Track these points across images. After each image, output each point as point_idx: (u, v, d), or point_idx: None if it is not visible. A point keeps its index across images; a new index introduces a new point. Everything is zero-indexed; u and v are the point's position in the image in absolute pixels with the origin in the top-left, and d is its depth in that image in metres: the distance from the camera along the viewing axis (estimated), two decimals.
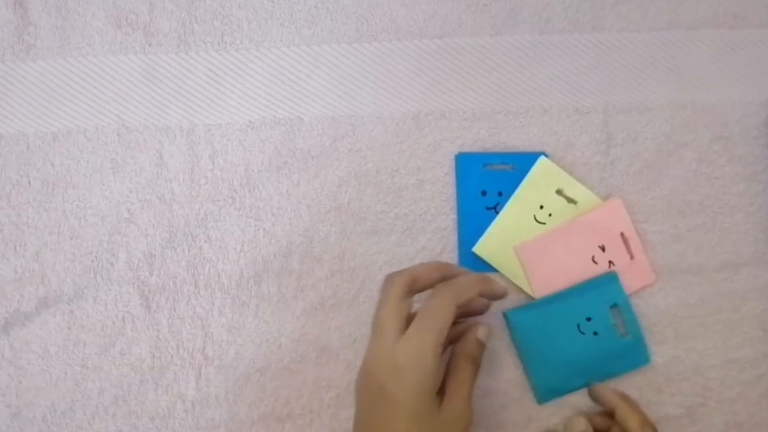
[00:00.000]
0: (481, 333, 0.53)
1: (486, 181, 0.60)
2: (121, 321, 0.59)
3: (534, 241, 0.59)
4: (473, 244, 0.59)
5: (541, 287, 0.59)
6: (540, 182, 0.60)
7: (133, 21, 0.62)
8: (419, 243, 0.60)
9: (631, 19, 0.62)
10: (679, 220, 0.60)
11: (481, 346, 0.53)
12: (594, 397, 0.57)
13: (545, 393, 0.58)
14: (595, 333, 0.57)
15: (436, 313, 0.48)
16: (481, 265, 0.59)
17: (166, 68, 0.61)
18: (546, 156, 0.60)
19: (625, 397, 0.55)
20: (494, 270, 0.59)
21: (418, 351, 0.47)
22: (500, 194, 0.60)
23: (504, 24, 0.62)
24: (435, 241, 0.60)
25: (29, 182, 0.60)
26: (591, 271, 0.59)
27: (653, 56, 0.62)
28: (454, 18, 0.62)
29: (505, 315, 0.58)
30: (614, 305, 0.58)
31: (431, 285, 0.51)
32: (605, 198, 0.60)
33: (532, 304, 0.58)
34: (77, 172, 0.61)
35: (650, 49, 0.62)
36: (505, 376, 0.59)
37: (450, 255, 0.60)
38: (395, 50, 0.62)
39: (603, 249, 0.59)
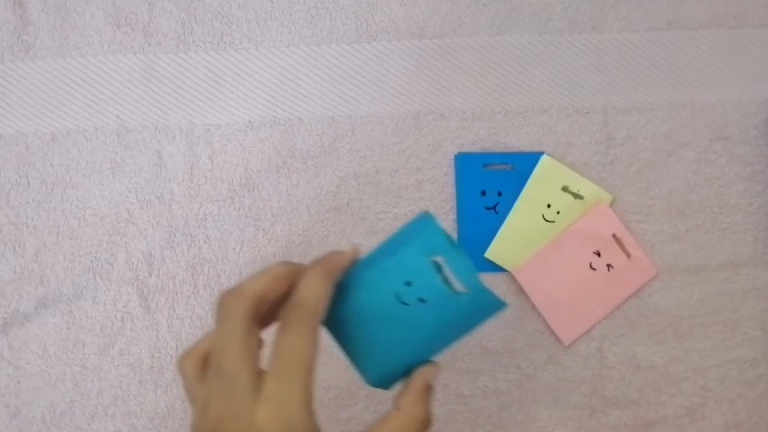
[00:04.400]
0: (430, 374, 0.41)
1: (486, 181, 0.60)
2: (120, 321, 0.59)
3: (529, 262, 0.59)
4: (473, 244, 0.59)
5: (545, 307, 0.58)
6: (544, 181, 0.60)
7: (133, 21, 0.62)
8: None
9: (631, 19, 0.62)
10: (678, 220, 0.60)
11: (429, 390, 0.41)
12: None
13: (379, 379, 0.43)
14: (421, 300, 0.40)
15: (294, 350, 0.37)
16: (483, 266, 0.59)
17: (166, 68, 0.61)
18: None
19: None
20: (507, 272, 0.60)
21: (285, 416, 0.35)
22: (500, 194, 0.60)
23: (503, 24, 0.62)
24: None
25: (28, 182, 0.60)
26: (591, 278, 0.59)
27: (653, 56, 0.62)
28: (454, 18, 0.62)
29: None
30: (436, 255, 0.41)
31: (282, 301, 0.39)
32: (609, 193, 0.60)
33: (344, 278, 0.42)
34: (76, 172, 0.61)
35: (650, 49, 0.62)
36: (505, 376, 0.59)
37: None
38: (394, 50, 0.62)
39: (598, 254, 0.59)
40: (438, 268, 0.40)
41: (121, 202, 0.60)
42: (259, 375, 0.36)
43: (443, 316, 0.41)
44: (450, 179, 0.61)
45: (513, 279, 0.59)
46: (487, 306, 0.41)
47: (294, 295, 0.38)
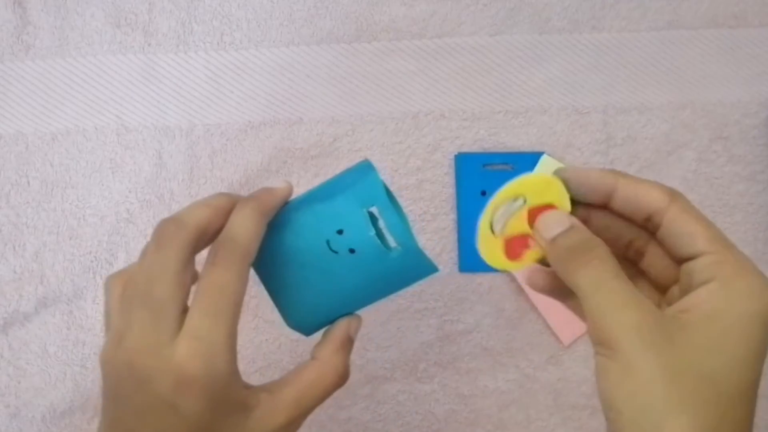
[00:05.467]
0: (354, 329, 0.40)
1: (486, 181, 0.60)
2: None
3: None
4: (473, 244, 0.59)
5: (545, 307, 0.58)
6: None
7: (133, 21, 0.62)
8: (419, 243, 0.60)
9: (631, 19, 0.62)
10: None
11: (350, 343, 0.40)
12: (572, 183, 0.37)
13: (300, 323, 0.42)
14: (351, 250, 0.39)
15: (222, 287, 0.35)
16: (483, 265, 0.59)
17: (166, 68, 0.61)
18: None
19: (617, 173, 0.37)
20: (507, 272, 0.59)
21: (206, 353, 0.34)
22: None
23: (503, 24, 0.62)
24: (435, 241, 0.60)
25: (28, 182, 0.60)
26: None
27: (653, 56, 0.62)
28: (454, 18, 0.62)
29: None
30: (372, 206, 0.39)
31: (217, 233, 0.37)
32: None
33: (276, 216, 0.40)
34: (76, 172, 0.61)
35: (650, 48, 0.62)
36: (505, 376, 0.59)
37: (450, 255, 0.60)
38: (395, 50, 0.62)
39: None
40: (374, 220, 0.39)
41: (121, 202, 0.60)
42: (185, 311, 0.35)
43: (372, 270, 0.39)
44: (450, 179, 0.61)
45: (513, 279, 0.59)
46: (418, 267, 0.39)
47: (225, 229, 0.37)
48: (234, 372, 0.35)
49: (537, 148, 0.61)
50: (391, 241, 0.39)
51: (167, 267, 0.35)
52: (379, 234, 0.39)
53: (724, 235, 0.35)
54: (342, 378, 0.39)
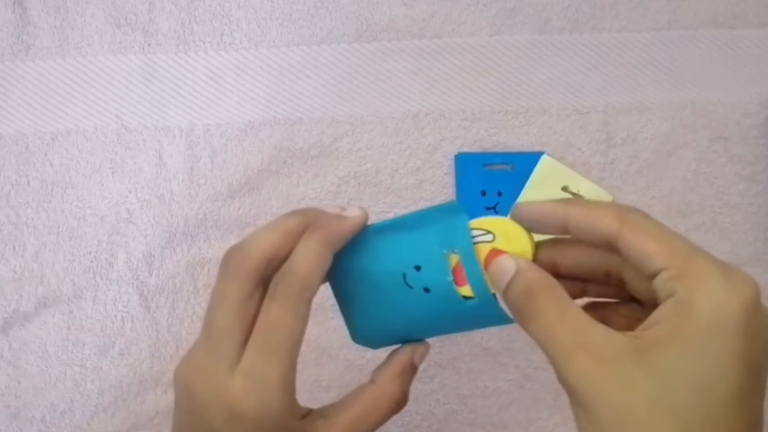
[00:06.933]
0: (418, 356, 0.39)
1: (486, 181, 0.60)
2: (120, 321, 0.59)
3: None
4: None
5: None
6: (545, 181, 0.60)
7: (133, 21, 0.62)
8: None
9: (631, 19, 0.62)
10: (678, 220, 0.60)
11: (414, 374, 0.39)
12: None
13: (366, 340, 0.42)
14: (426, 289, 0.37)
15: (278, 324, 0.34)
16: None
17: (166, 68, 0.61)
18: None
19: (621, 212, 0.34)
20: None
21: (260, 392, 0.34)
22: (500, 194, 0.60)
23: (503, 24, 0.62)
24: None
25: (28, 182, 0.60)
26: None
27: (653, 56, 0.62)
28: (454, 18, 0.62)
29: None
30: (453, 250, 0.37)
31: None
32: (609, 193, 0.60)
33: (359, 236, 0.39)
34: (76, 172, 0.61)
35: (650, 49, 0.62)
36: (505, 376, 0.59)
37: None
38: (395, 50, 0.62)
39: None
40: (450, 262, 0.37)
41: (121, 202, 0.60)
42: (246, 341, 0.35)
43: (444, 312, 0.38)
44: (450, 179, 0.61)
45: None
46: (492, 317, 0.38)
47: (288, 261, 0.35)
48: (288, 408, 0.35)
49: (537, 148, 0.61)
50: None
51: (228, 297, 0.35)
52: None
53: (684, 244, 0.32)
54: (398, 405, 0.38)
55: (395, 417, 0.53)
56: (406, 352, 0.39)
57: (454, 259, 0.37)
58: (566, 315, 0.33)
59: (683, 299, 0.31)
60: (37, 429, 0.58)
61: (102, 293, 0.59)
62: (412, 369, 0.39)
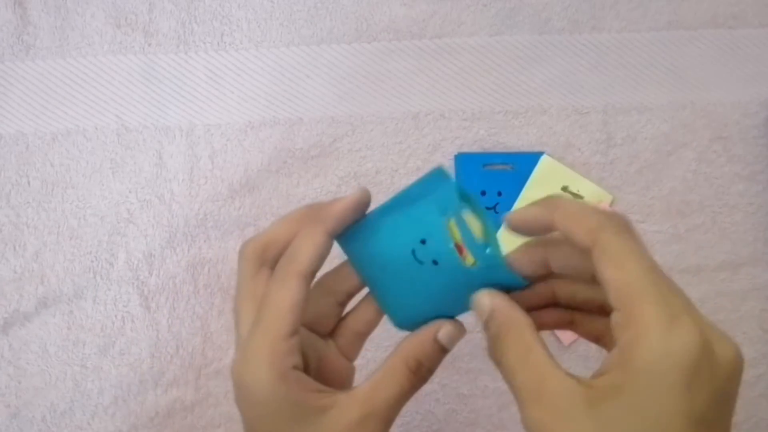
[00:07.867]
0: (443, 333, 0.38)
1: (486, 181, 0.60)
2: (120, 321, 0.59)
3: None
4: None
5: None
6: (544, 181, 0.60)
7: (133, 21, 0.62)
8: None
9: (631, 19, 0.62)
10: (678, 220, 0.60)
11: (440, 351, 0.38)
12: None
13: (405, 323, 0.41)
14: (435, 262, 0.37)
15: (271, 302, 0.35)
16: None
17: (166, 68, 0.61)
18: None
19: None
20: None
21: (247, 366, 0.34)
22: (500, 194, 0.60)
23: (503, 24, 0.62)
24: None
25: (29, 182, 0.60)
26: None
27: (653, 56, 0.62)
28: (454, 18, 0.62)
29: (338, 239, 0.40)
30: (450, 216, 0.37)
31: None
32: (609, 193, 0.60)
33: (364, 222, 0.39)
34: (77, 172, 0.61)
35: (650, 49, 0.62)
36: None
37: None
38: (395, 50, 0.62)
39: None
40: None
41: (121, 202, 0.60)
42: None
43: (456, 283, 0.37)
44: None
45: None
46: (501, 281, 0.37)
47: (290, 246, 0.37)
48: (280, 379, 0.34)
49: (537, 148, 0.61)
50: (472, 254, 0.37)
51: (240, 279, 0.37)
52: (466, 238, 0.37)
53: (639, 280, 0.30)
54: (414, 374, 0.37)
55: None
56: (429, 326, 0.38)
57: (457, 232, 0.37)
58: (528, 360, 0.33)
59: (625, 349, 0.30)
60: (38, 429, 0.58)
61: (102, 293, 0.59)
62: (435, 343, 0.38)
